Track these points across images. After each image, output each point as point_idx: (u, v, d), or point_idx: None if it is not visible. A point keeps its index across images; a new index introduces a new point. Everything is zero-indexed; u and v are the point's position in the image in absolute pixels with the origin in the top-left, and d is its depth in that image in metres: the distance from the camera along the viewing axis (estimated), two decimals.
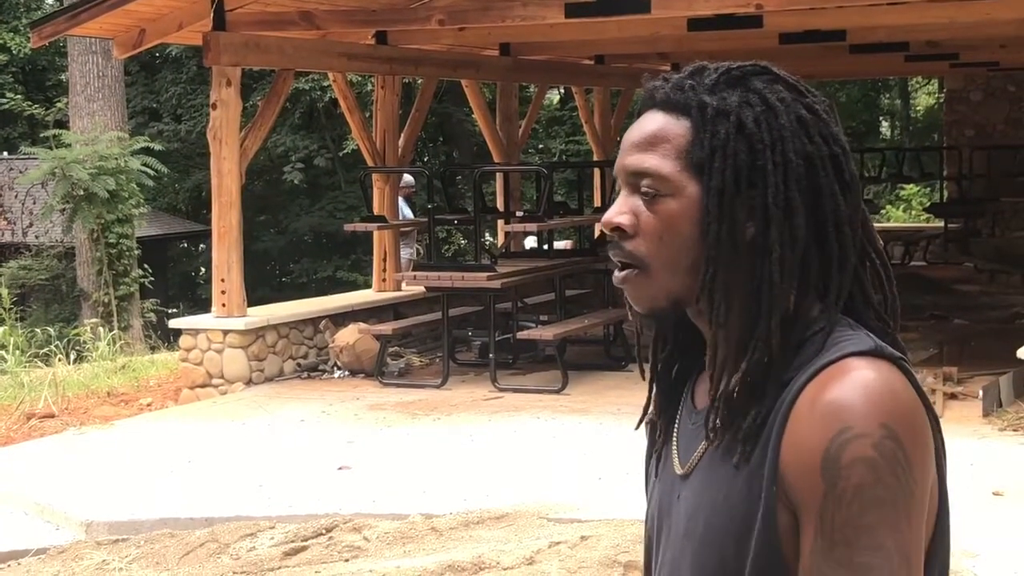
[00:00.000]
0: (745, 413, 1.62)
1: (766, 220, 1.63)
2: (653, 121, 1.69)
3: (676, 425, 1.77)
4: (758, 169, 1.63)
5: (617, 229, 1.68)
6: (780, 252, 1.62)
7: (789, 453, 1.57)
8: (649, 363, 1.85)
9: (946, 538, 1.66)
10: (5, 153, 28.86)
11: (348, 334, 12.16)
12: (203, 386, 11.73)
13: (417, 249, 16.13)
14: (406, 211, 15.77)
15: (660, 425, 1.81)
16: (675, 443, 1.76)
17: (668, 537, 1.74)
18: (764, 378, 1.62)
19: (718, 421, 1.64)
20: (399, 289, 13.56)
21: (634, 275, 1.68)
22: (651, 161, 1.66)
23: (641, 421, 1.86)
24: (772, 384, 1.62)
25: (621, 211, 1.68)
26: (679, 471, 1.73)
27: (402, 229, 14.97)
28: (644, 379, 1.84)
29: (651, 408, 1.82)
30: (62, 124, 22.04)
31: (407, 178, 15.81)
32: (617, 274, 1.70)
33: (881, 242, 1.73)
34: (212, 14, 11.46)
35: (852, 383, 1.55)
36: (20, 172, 24.35)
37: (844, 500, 1.52)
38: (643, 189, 1.67)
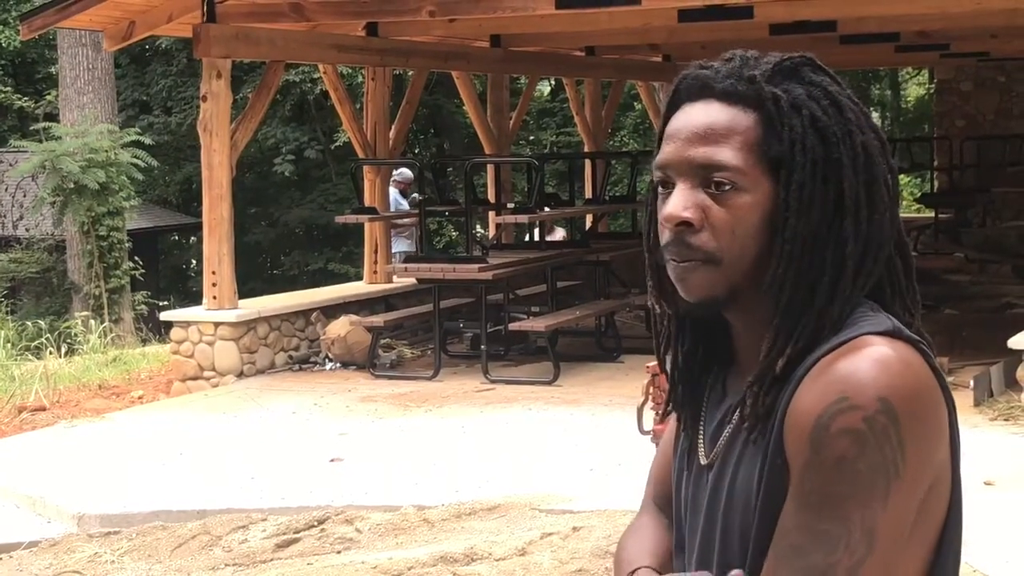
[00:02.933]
0: (771, 396, 1.63)
1: (840, 212, 1.63)
2: (714, 112, 1.66)
3: (703, 417, 1.77)
4: (833, 162, 1.63)
5: (683, 223, 1.65)
6: (854, 246, 1.63)
7: (790, 418, 1.58)
8: (657, 357, 1.85)
9: (959, 525, 1.66)
10: None
11: (339, 326, 12.15)
12: (194, 379, 11.72)
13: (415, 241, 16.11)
14: (403, 204, 15.76)
15: (685, 418, 1.80)
16: (701, 435, 1.76)
17: (692, 525, 1.75)
18: (799, 363, 1.63)
19: (758, 407, 1.64)
20: (390, 281, 13.55)
21: (700, 268, 1.65)
22: (725, 154, 1.63)
23: (665, 415, 1.87)
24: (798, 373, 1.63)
25: (687, 205, 1.64)
26: (703, 462, 1.74)
27: (401, 222, 14.98)
28: (663, 370, 1.84)
29: (667, 402, 1.83)
30: (52, 117, 21.99)
31: (405, 172, 15.80)
32: (679, 266, 1.66)
33: (904, 232, 1.73)
34: (202, 6, 11.43)
35: (861, 357, 1.56)
36: (10, 165, 24.28)
37: (823, 468, 1.53)
38: (717, 181, 1.64)
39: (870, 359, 1.56)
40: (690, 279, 1.65)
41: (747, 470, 1.64)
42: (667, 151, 1.67)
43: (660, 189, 1.69)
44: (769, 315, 1.65)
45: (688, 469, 1.78)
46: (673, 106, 1.71)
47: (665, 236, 1.67)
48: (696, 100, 1.68)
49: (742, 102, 1.65)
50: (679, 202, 1.64)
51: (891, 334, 1.60)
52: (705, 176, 1.64)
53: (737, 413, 1.68)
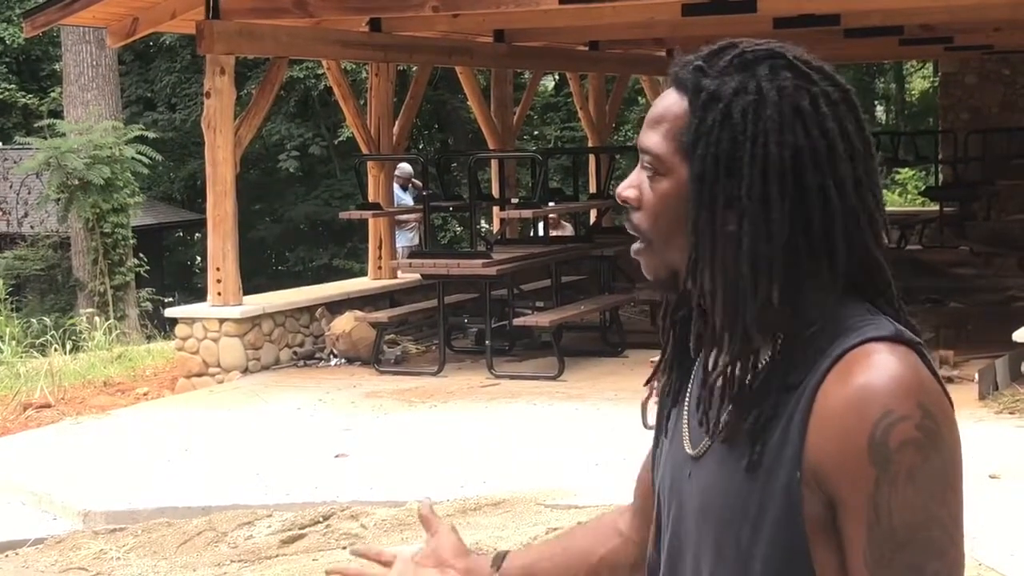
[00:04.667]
0: (746, 412, 1.62)
1: (740, 211, 1.61)
2: (665, 99, 1.70)
3: (688, 394, 1.77)
4: (736, 160, 1.62)
5: (625, 201, 1.71)
6: (751, 244, 1.61)
7: (822, 440, 1.57)
8: (660, 327, 1.83)
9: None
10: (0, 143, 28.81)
11: (344, 322, 12.15)
12: (199, 375, 11.72)
13: (419, 235, 16.10)
14: (404, 199, 15.76)
15: (670, 383, 1.80)
16: (685, 422, 1.75)
17: (678, 513, 1.74)
18: (753, 376, 1.62)
19: (711, 415, 1.65)
20: (395, 277, 13.55)
21: (641, 247, 1.71)
22: (652, 140, 1.68)
23: (651, 378, 1.88)
24: (775, 383, 1.61)
25: (631, 184, 1.71)
26: (690, 451, 1.72)
27: (403, 216, 14.98)
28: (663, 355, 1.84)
29: (662, 366, 1.82)
30: (56, 114, 22.01)
31: (404, 167, 15.80)
32: (632, 245, 1.74)
33: (884, 237, 1.70)
34: (205, 2, 11.43)
35: (878, 367, 1.56)
36: (15, 162, 24.31)
37: (898, 483, 1.54)
38: (643, 166, 1.69)
39: (890, 369, 1.56)
40: (638, 257, 1.73)
41: (740, 468, 1.62)
42: None
43: None
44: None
45: (673, 449, 1.78)
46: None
47: None
48: (668, 86, 1.72)
49: (683, 90, 1.67)
50: (626, 181, 1.72)
51: (894, 339, 1.59)
52: (641, 160, 1.70)
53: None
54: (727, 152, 1.62)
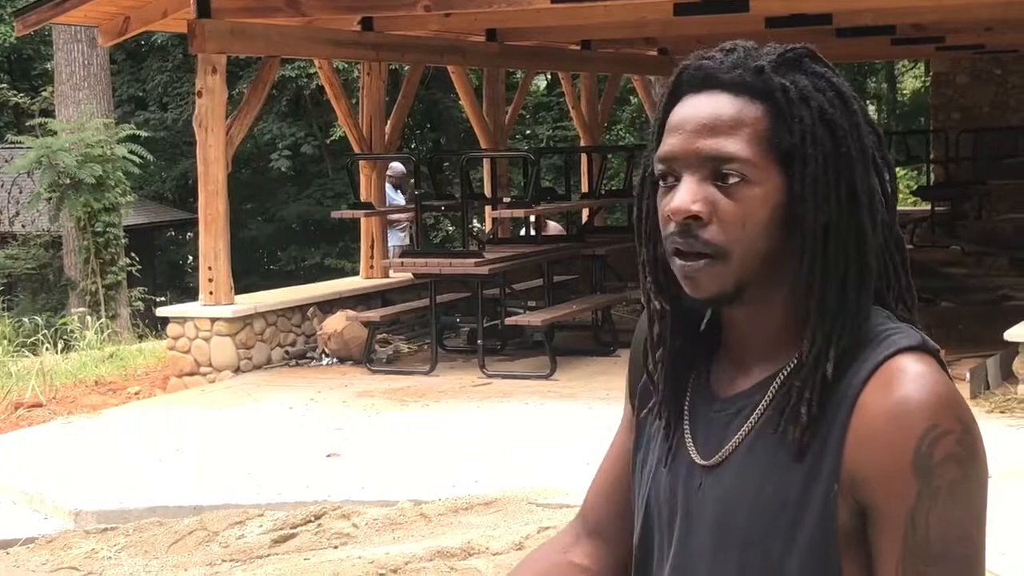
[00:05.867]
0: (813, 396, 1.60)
1: (854, 205, 1.61)
2: (721, 103, 1.62)
3: (687, 415, 1.72)
4: (842, 155, 1.61)
5: (692, 217, 1.60)
6: (874, 238, 1.62)
7: (862, 452, 1.56)
8: (645, 354, 1.78)
9: None
10: None
11: (336, 321, 12.15)
12: (191, 374, 11.71)
13: (410, 235, 16.10)
14: (396, 198, 15.75)
15: (665, 415, 1.75)
16: (688, 433, 1.71)
17: (687, 525, 1.69)
18: (844, 366, 1.59)
19: (813, 412, 1.59)
20: (387, 276, 13.55)
21: (709, 264, 1.60)
22: (734, 146, 1.59)
23: (650, 411, 1.78)
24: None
25: (695, 198, 1.60)
26: (701, 461, 1.67)
27: (395, 216, 14.97)
28: (650, 367, 1.77)
29: (658, 401, 1.76)
30: (48, 113, 21.95)
31: (396, 166, 15.79)
32: (687, 264, 1.61)
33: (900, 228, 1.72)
34: (196, 1, 11.42)
35: (917, 381, 1.56)
36: (6, 161, 24.23)
37: (939, 497, 1.54)
38: (725, 173, 1.59)
39: (929, 383, 1.56)
40: (699, 276, 1.61)
41: (777, 481, 1.60)
42: (672, 143, 1.63)
43: (661, 183, 1.65)
44: (783, 312, 1.64)
45: (671, 467, 1.72)
46: (674, 97, 1.67)
47: (670, 230, 1.62)
48: (700, 91, 1.64)
49: (749, 93, 1.62)
50: (687, 195, 1.60)
51: (923, 348, 1.60)
52: (713, 168, 1.60)
53: (757, 413, 1.64)
54: (832, 149, 1.61)
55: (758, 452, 1.62)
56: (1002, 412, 9.14)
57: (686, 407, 1.73)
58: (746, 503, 1.62)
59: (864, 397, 1.56)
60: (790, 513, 1.58)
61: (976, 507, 1.58)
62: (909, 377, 1.56)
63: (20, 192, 24.09)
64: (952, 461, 1.54)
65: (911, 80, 35.76)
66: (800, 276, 1.61)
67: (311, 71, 23.88)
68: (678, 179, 1.62)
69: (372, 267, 13.78)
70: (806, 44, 1.69)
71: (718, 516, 1.64)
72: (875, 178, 1.64)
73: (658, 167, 1.65)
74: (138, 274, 21.13)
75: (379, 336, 12.25)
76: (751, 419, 1.64)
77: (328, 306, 12.69)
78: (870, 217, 1.62)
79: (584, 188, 16.29)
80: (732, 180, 1.59)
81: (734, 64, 1.63)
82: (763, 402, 1.63)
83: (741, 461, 1.64)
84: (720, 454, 1.66)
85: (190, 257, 29.80)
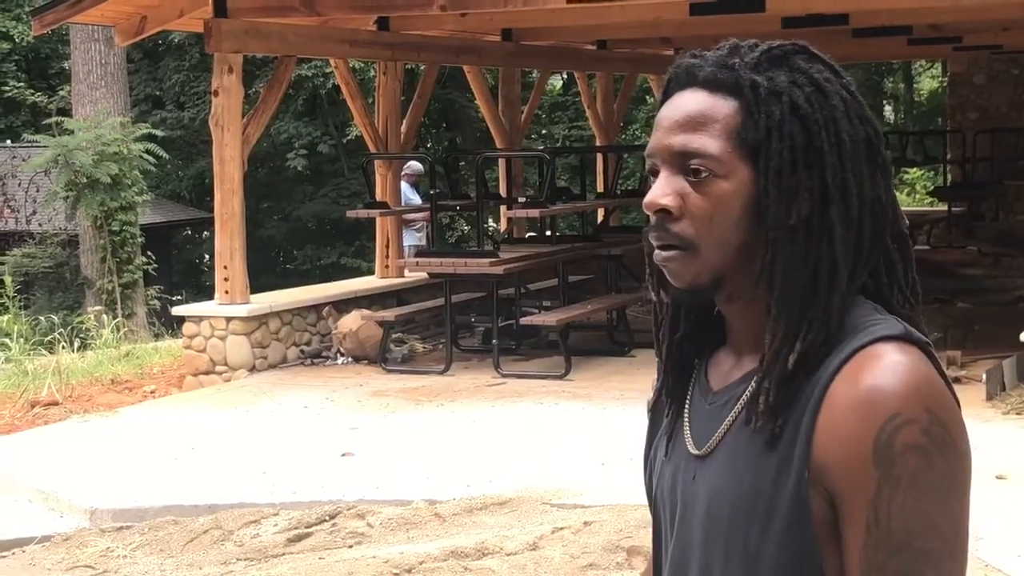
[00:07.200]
0: (787, 392, 1.61)
1: (825, 201, 1.62)
2: (696, 100, 1.65)
3: (687, 406, 1.75)
4: (814, 150, 1.62)
5: (662, 211, 1.65)
6: (842, 232, 1.62)
7: (828, 441, 1.56)
8: (656, 346, 1.83)
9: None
10: (8, 141, 28.83)
11: (351, 320, 12.15)
12: (207, 373, 11.73)
13: (426, 234, 16.11)
14: (413, 197, 15.76)
15: (670, 406, 1.79)
16: (687, 424, 1.74)
17: (683, 516, 1.72)
18: (817, 359, 1.60)
19: (771, 403, 1.61)
20: (402, 275, 13.55)
21: (680, 255, 1.65)
22: (701, 141, 1.63)
23: (656, 402, 1.84)
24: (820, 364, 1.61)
25: (665, 192, 1.65)
26: (695, 451, 1.70)
27: (411, 215, 14.98)
28: (659, 358, 1.82)
29: (660, 390, 1.81)
30: (65, 112, 22.01)
31: (414, 165, 15.81)
32: (660, 254, 1.67)
33: (906, 223, 1.72)
34: (213, 1, 11.44)
35: (889, 369, 1.55)
36: (23, 160, 24.33)
37: (900, 487, 1.52)
38: (693, 168, 1.63)
39: (899, 372, 1.55)
40: (671, 267, 1.66)
41: (755, 471, 1.61)
42: (652, 139, 1.68)
43: (651, 178, 1.69)
44: (765, 305, 1.64)
45: (672, 458, 1.76)
46: (665, 95, 1.71)
47: (651, 223, 1.68)
48: (684, 88, 1.68)
49: (723, 89, 1.64)
50: (659, 190, 1.65)
51: (905, 338, 1.58)
52: (683, 163, 1.64)
53: (740, 404, 1.66)
54: (802, 143, 1.62)
55: (739, 442, 1.64)
56: (1018, 414, 9.11)
57: (688, 399, 1.76)
58: (730, 493, 1.64)
59: (834, 387, 1.57)
60: (765, 502, 1.60)
61: (946, 500, 1.54)
62: (881, 365, 1.55)
63: (37, 191, 24.19)
64: (915, 451, 1.52)
65: (928, 80, 35.67)
66: (762, 266, 1.63)
67: (327, 70, 23.91)
68: (657, 175, 1.68)
69: (387, 267, 13.79)
70: (799, 41, 1.70)
71: (708, 507, 1.67)
72: (852, 174, 1.63)
73: (647, 163, 1.71)
74: (154, 273, 21.19)
75: (394, 335, 12.26)
76: (734, 410, 1.67)
77: (343, 305, 12.70)
78: (842, 213, 1.62)
79: (600, 188, 16.28)
80: (702, 175, 1.63)
81: (713, 62, 1.67)
82: (745, 394, 1.66)
83: (725, 452, 1.66)
84: (708, 445, 1.68)
85: (206, 256, 29.83)
